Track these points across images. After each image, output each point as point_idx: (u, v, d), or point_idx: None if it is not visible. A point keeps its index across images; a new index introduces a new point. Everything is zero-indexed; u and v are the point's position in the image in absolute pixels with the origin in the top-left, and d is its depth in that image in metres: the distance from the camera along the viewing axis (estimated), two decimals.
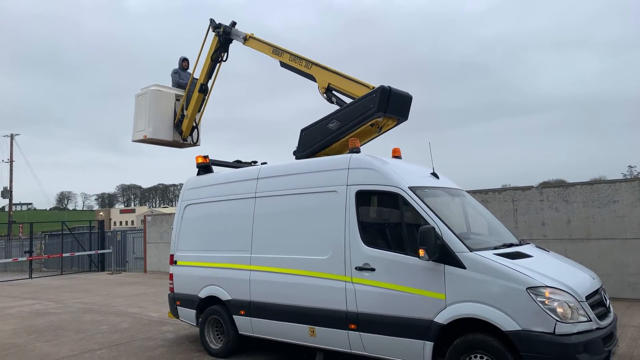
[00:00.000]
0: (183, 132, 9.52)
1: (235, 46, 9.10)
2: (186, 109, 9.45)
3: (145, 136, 9.33)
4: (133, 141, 9.67)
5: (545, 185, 12.81)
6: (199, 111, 9.52)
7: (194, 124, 9.60)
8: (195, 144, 9.79)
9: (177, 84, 9.85)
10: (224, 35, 8.89)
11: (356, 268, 5.38)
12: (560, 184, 11.58)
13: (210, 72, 9.21)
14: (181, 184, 8.38)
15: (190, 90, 9.43)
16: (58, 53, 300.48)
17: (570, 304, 4.35)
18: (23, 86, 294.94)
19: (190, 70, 9.91)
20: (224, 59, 9.20)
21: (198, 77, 9.33)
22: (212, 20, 9.06)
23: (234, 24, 8.90)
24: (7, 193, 45.43)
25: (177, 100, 9.62)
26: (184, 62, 10.06)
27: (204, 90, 9.29)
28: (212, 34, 9.07)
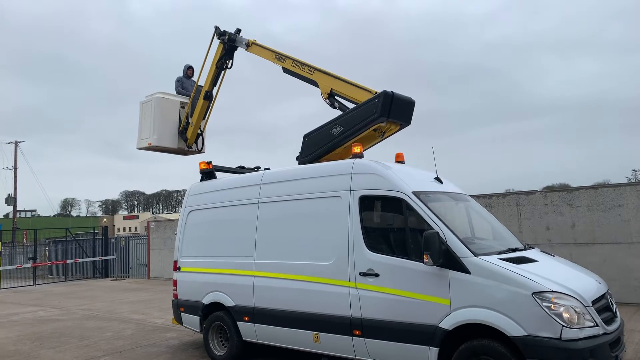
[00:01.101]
0: (188, 140, 9.47)
1: (238, 51, 9.11)
2: (191, 117, 9.42)
3: (150, 144, 9.31)
4: (138, 149, 9.66)
5: (549, 189, 12.77)
6: (203, 118, 9.49)
7: (199, 132, 9.56)
8: (200, 151, 9.75)
9: (179, 93, 9.86)
10: (229, 43, 8.83)
11: (360, 273, 5.36)
12: (564, 188, 11.54)
13: (215, 80, 9.16)
14: (184, 190, 8.39)
15: (195, 97, 9.41)
16: (62, 57, 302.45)
17: (577, 309, 4.32)
18: (27, 91, 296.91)
19: (194, 78, 9.91)
20: (229, 66, 9.13)
21: (203, 84, 9.31)
22: (216, 28, 9.01)
23: (238, 31, 8.85)
24: (12, 200, 45.67)
25: (182, 107, 9.60)
26: (189, 70, 10.03)
27: (209, 98, 9.24)
28: (216, 41, 9.04)
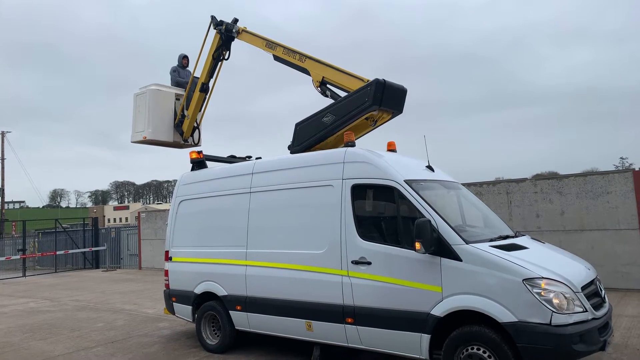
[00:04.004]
0: (184, 133, 9.25)
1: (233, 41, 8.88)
2: (187, 109, 9.18)
3: (145, 137, 9.06)
4: (132, 142, 9.39)
5: (539, 177, 12.86)
6: (200, 111, 9.26)
7: (195, 124, 9.34)
8: (196, 144, 9.48)
9: (176, 83, 9.56)
10: (226, 33, 8.57)
11: (352, 262, 5.38)
12: (554, 176, 11.64)
13: (211, 71, 8.90)
14: (175, 180, 8.30)
15: (191, 89, 9.14)
16: (53, 46, 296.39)
17: (566, 295, 4.37)
18: (15, 81, 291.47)
19: (190, 68, 9.68)
20: (226, 57, 8.86)
21: (199, 76, 9.06)
22: (213, 17, 8.71)
23: (235, 20, 8.57)
24: None
25: (177, 99, 9.33)
26: (184, 59, 9.73)
27: (205, 90, 9.01)
28: (212, 32, 8.76)
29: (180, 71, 9.70)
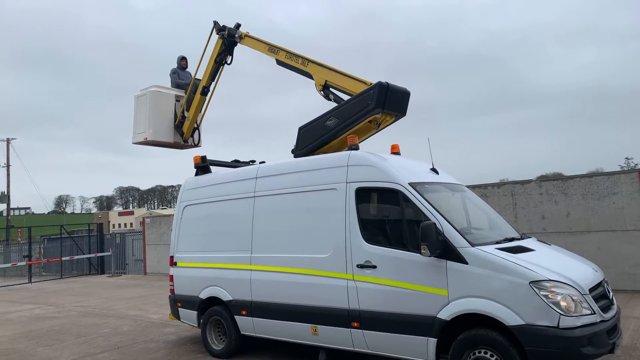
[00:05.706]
0: (184, 134, 9.39)
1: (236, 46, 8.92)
2: (187, 111, 9.31)
3: (146, 138, 9.20)
4: (133, 143, 9.55)
5: (544, 178, 12.81)
6: (200, 112, 9.38)
7: (195, 125, 9.47)
8: (196, 145, 9.65)
9: (176, 85, 9.69)
10: (229, 38, 8.65)
11: (357, 266, 5.36)
12: (559, 177, 11.59)
13: (213, 75, 8.99)
14: (179, 185, 8.34)
15: (192, 91, 9.26)
16: (57, 51, 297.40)
17: (574, 297, 4.33)
18: (21, 86, 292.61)
19: (189, 70, 9.78)
20: (229, 62, 8.94)
21: (199, 78, 9.17)
22: (215, 23, 8.79)
23: (238, 25, 8.65)
24: (5, 198, 45.46)
25: (177, 101, 9.47)
26: (182, 60, 9.88)
27: (206, 93, 9.12)
28: (215, 36, 8.84)
29: (179, 73, 9.82)
